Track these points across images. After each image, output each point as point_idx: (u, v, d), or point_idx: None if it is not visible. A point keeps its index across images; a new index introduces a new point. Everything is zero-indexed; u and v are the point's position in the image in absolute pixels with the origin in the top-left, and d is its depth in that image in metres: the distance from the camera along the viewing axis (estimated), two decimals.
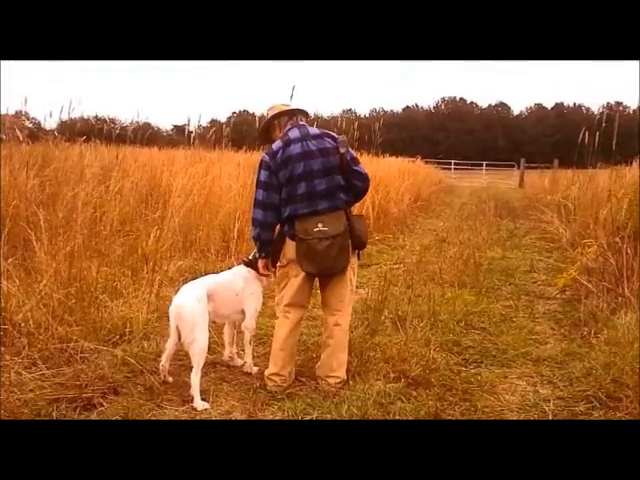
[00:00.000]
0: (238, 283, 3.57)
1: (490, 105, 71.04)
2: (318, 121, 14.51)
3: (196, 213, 6.68)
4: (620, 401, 3.21)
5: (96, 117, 13.42)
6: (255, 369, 3.65)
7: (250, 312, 3.58)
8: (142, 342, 3.83)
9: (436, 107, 71.96)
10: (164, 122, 57.03)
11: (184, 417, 3.05)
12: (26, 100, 6.44)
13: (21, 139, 6.22)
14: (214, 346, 3.83)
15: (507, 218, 11.63)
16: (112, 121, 12.33)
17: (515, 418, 3.14)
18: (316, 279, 3.47)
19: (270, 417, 3.07)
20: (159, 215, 6.27)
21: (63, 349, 3.56)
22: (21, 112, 8.68)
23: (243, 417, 3.06)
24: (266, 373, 3.45)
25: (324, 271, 3.32)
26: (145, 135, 8.88)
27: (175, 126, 37.51)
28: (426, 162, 22.46)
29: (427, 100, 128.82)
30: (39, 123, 10.68)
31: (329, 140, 3.36)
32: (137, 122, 9.46)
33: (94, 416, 2.97)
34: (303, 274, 3.34)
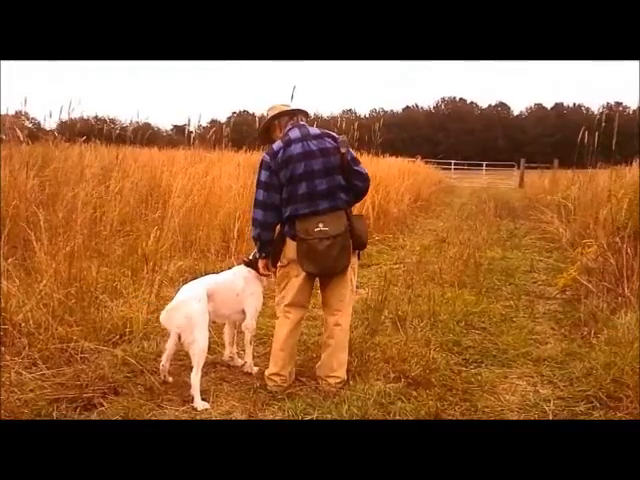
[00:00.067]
0: (238, 283, 3.56)
1: (490, 105, 71.32)
2: (318, 121, 14.49)
3: (196, 213, 6.68)
4: (620, 401, 3.21)
5: (96, 117, 13.45)
6: (255, 369, 3.65)
7: (250, 312, 3.58)
8: (142, 342, 3.83)
9: (436, 107, 72.08)
10: (164, 122, 57.16)
11: (184, 417, 3.05)
12: (26, 100, 6.46)
13: (21, 139, 6.21)
14: (214, 346, 3.83)
15: (507, 218, 11.63)
16: (112, 121, 12.35)
17: (515, 418, 3.14)
18: (316, 279, 3.47)
19: (270, 417, 3.07)
20: (159, 215, 6.27)
21: (63, 349, 3.56)
22: (21, 112, 8.69)
23: (243, 417, 3.06)
24: (266, 373, 3.45)
25: (325, 271, 3.33)
26: (145, 135, 8.89)
27: (175, 126, 37.58)
28: (426, 162, 22.47)
29: (427, 100, 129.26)
30: (39, 123, 10.70)
31: (329, 140, 3.36)
32: (137, 122, 9.50)
33: (94, 416, 2.97)
34: (304, 274, 3.34)
